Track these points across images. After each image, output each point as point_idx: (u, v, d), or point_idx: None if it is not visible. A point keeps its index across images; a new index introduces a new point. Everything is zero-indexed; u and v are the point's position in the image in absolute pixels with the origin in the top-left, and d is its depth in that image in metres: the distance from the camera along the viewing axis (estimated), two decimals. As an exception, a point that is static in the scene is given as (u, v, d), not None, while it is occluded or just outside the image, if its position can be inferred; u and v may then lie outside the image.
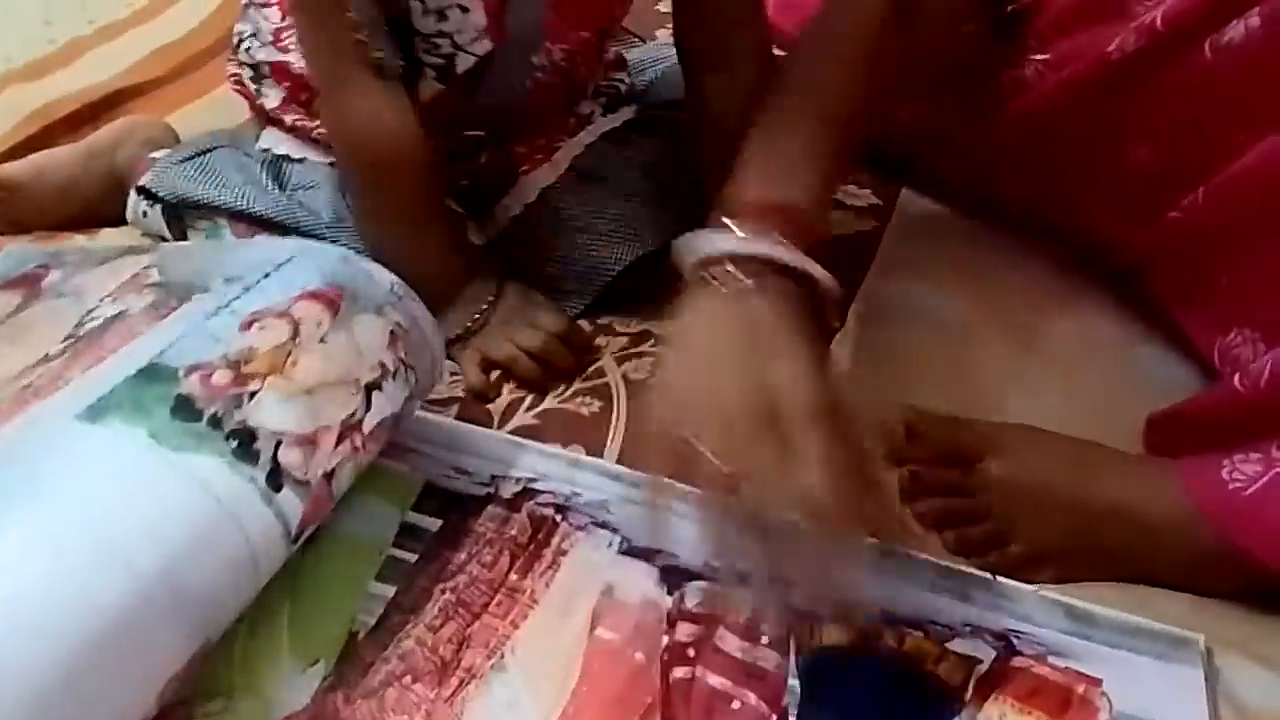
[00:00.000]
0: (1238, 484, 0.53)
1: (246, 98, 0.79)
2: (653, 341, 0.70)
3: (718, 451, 0.45)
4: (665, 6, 0.81)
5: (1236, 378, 0.53)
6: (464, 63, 0.67)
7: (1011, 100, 0.70)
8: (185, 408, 0.44)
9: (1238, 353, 0.59)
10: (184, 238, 0.76)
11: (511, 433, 0.62)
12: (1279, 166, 0.53)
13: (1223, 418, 0.55)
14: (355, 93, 0.62)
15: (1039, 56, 0.68)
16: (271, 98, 0.76)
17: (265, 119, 0.77)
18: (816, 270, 0.50)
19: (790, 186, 0.53)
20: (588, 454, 0.61)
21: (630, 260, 0.70)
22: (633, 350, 0.69)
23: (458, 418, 0.63)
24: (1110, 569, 0.56)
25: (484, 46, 0.66)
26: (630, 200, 0.72)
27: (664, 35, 0.93)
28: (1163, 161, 0.61)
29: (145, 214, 0.77)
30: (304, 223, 0.72)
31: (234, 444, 0.44)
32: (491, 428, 0.63)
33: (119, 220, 0.79)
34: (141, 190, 0.76)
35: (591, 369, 0.68)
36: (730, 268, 0.49)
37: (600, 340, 0.70)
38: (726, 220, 0.51)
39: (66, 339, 0.53)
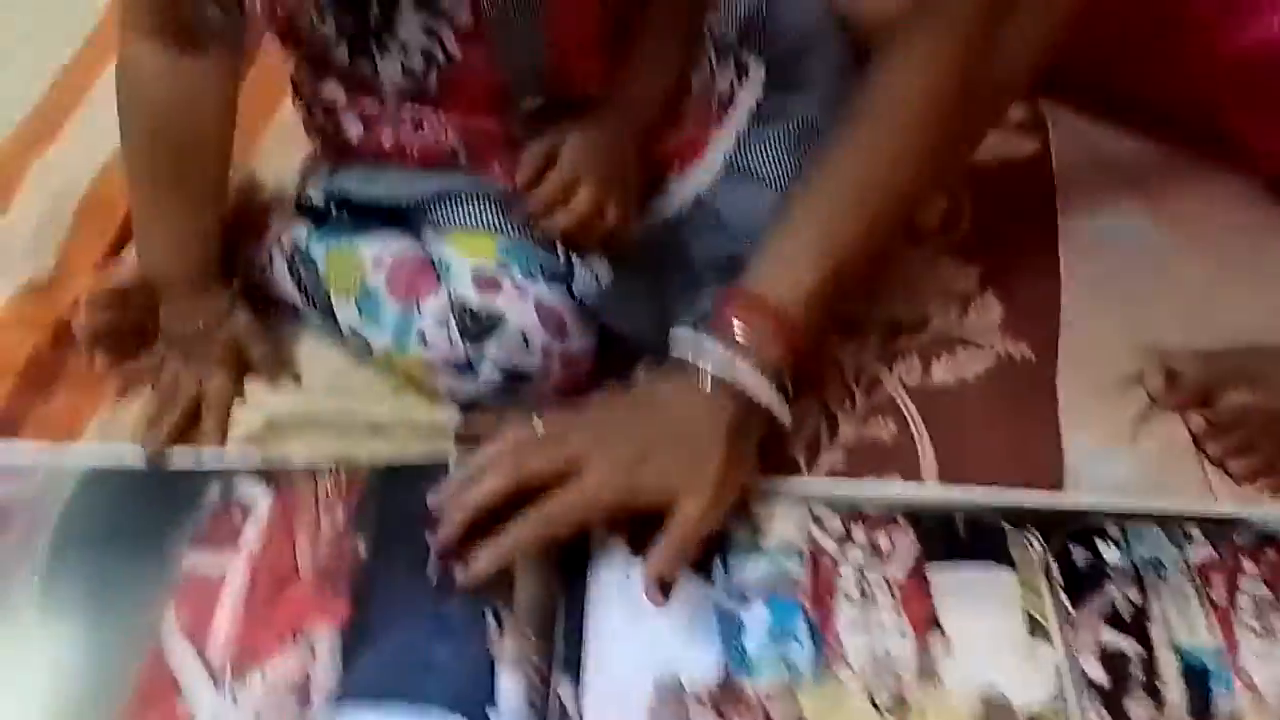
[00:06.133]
0: None
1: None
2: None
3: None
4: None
5: None
6: None
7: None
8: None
9: None
10: (310, 298, 0.67)
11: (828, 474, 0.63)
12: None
13: None
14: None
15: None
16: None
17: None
18: (774, 406, 0.56)
19: (794, 287, 0.56)
20: (904, 480, 0.63)
21: None
22: (894, 347, 0.69)
23: (764, 469, 0.62)
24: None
25: None
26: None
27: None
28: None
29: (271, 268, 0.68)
30: None
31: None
32: (801, 473, 0.63)
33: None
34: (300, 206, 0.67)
35: (866, 382, 0.68)
36: (703, 365, 0.55)
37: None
38: (721, 324, 0.56)
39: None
